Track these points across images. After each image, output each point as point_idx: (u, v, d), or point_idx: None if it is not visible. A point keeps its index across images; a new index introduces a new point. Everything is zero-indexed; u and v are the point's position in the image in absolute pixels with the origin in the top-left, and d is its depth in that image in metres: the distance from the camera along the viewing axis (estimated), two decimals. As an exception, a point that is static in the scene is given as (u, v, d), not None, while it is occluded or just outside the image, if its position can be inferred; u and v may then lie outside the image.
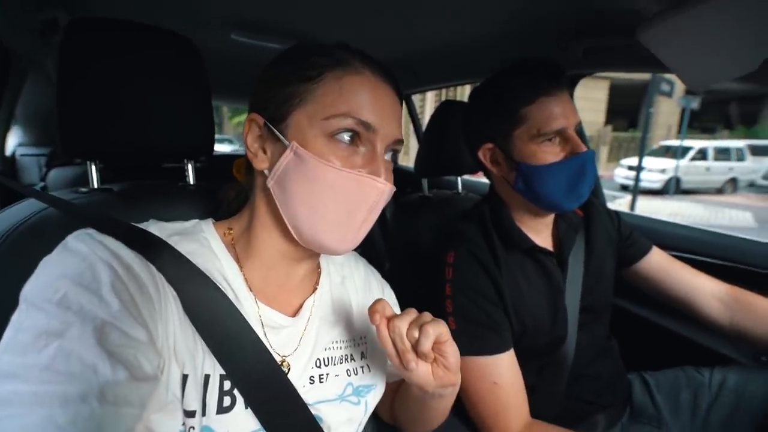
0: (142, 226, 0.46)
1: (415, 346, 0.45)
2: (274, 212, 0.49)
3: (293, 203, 0.46)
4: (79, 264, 0.37)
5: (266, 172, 0.48)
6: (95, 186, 0.63)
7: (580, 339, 0.79)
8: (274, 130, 0.46)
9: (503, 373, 0.70)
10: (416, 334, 0.44)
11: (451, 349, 0.48)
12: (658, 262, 0.90)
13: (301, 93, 0.45)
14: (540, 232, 0.82)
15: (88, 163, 0.63)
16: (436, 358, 0.47)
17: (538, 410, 0.71)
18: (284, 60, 0.49)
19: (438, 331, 0.45)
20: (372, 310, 0.46)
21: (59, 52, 0.54)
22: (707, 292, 0.86)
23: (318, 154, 0.44)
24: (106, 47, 0.56)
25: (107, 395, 0.32)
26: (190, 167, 0.72)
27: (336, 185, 0.45)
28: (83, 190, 0.63)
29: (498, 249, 0.77)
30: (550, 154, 0.71)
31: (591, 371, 0.81)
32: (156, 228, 0.47)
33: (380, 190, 0.47)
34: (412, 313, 0.47)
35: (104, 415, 0.31)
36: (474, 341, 0.70)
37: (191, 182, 0.72)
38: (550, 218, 0.83)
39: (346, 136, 0.45)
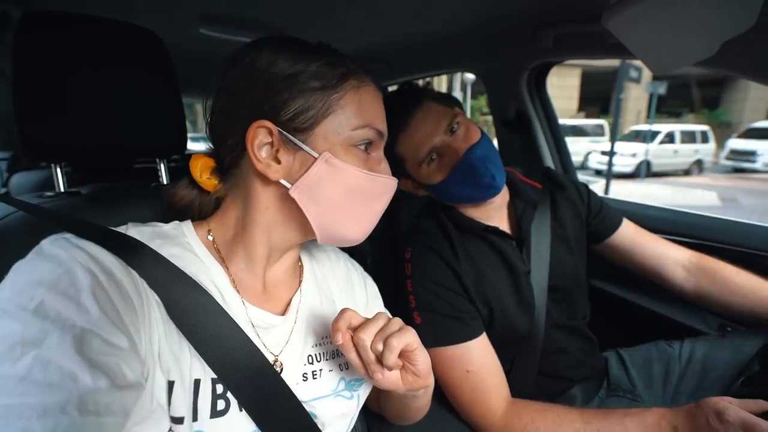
0: (121, 229, 0.45)
1: (380, 358, 0.45)
2: (287, 217, 0.49)
3: (325, 209, 0.47)
4: (55, 270, 0.35)
5: (284, 182, 0.46)
6: (61, 189, 0.61)
7: (550, 317, 0.81)
8: (296, 140, 0.45)
9: (475, 359, 0.71)
10: (380, 347, 0.44)
11: (421, 357, 0.48)
12: (628, 236, 0.94)
13: (323, 103, 0.45)
14: (491, 217, 0.83)
15: (53, 165, 0.60)
16: (405, 365, 0.48)
17: (514, 389, 0.73)
18: (284, 64, 0.45)
19: (405, 341, 0.45)
20: (334, 328, 0.45)
21: (12, 49, 0.51)
22: (673, 260, 0.91)
23: (349, 162, 0.46)
24: (63, 43, 0.53)
25: (88, 405, 0.31)
26: (162, 167, 0.70)
27: (365, 188, 0.49)
28: (49, 194, 0.60)
29: (455, 238, 0.78)
30: (437, 173, 0.76)
31: (563, 348, 0.84)
32: (136, 231, 0.45)
33: (393, 186, 0.53)
34: (380, 320, 0.46)
35: (85, 426, 0.30)
36: (440, 333, 0.72)
37: (165, 182, 0.70)
38: (497, 202, 0.83)
39: (364, 144, 0.48)
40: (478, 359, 0.72)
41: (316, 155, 0.45)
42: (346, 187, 0.47)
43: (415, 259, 0.77)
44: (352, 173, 0.47)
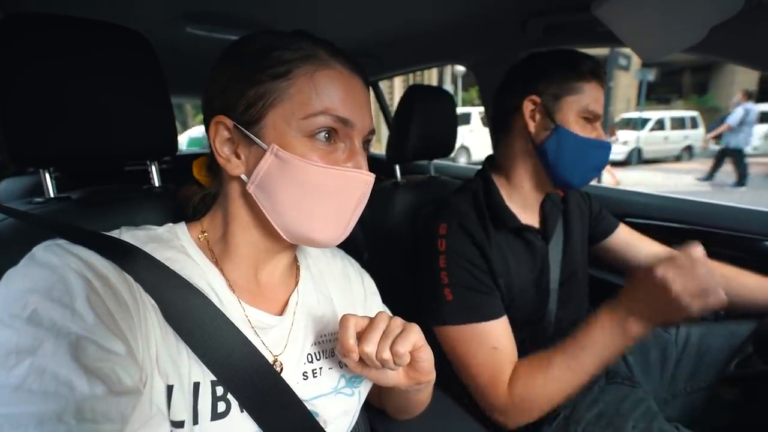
0: (114, 234, 0.44)
1: (386, 363, 0.44)
2: (257, 215, 0.48)
3: (281, 207, 0.45)
4: (49, 277, 0.35)
5: (243, 177, 0.46)
6: (51, 195, 0.60)
7: (559, 311, 0.82)
8: (248, 133, 0.44)
9: (501, 337, 0.72)
10: (386, 355, 0.43)
11: (426, 355, 0.48)
12: (623, 238, 0.97)
13: (272, 92, 0.43)
14: (529, 209, 0.84)
15: (41, 171, 0.59)
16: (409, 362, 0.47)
17: None
18: (242, 55, 0.45)
19: (411, 342, 0.44)
20: (346, 348, 0.44)
21: None
22: None
23: (300, 155, 0.43)
24: (47, 45, 0.52)
25: (85, 412, 0.31)
26: (153, 169, 0.69)
27: (324, 183, 0.44)
28: (38, 199, 0.59)
29: (488, 225, 0.78)
30: (581, 129, 0.76)
31: None
32: (129, 236, 0.45)
33: (366, 182, 0.48)
34: (381, 324, 0.45)
35: None
36: (472, 309, 0.72)
37: (156, 184, 0.69)
38: (541, 196, 0.86)
39: (324, 134, 0.44)
40: (504, 338, 0.72)
41: (265, 147, 0.43)
42: (299, 182, 0.44)
43: (450, 236, 0.76)
44: (304, 167, 0.43)
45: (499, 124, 0.86)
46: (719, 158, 7.26)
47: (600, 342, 0.65)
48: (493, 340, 0.71)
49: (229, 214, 0.49)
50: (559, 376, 0.67)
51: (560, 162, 0.76)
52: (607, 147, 0.78)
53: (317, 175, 0.44)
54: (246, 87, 0.43)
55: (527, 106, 0.79)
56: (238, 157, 0.46)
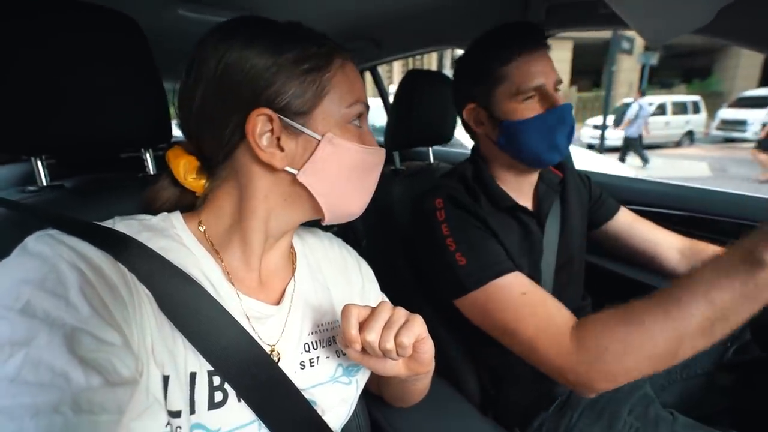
0: (108, 224, 0.43)
1: (388, 353, 0.45)
2: (293, 202, 0.48)
3: (331, 188, 0.48)
4: (41, 267, 0.34)
5: (290, 169, 0.45)
6: (44, 183, 0.59)
7: (556, 298, 0.82)
8: (298, 125, 0.44)
9: (526, 283, 0.69)
10: (389, 345, 0.44)
11: (427, 346, 0.49)
12: (625, 222, 0.95)
13: (317, 84, 0.44)
14: (522, 192, 0.84)
15: (33, 159, 0.58)
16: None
17: (515, 370, 0.74)
18: (264, 52, 0.43)
19: (415, 334, 0.45)
20: (349, 338, 0.44)
21: None
22: (668, 245, 0.93)
23: (350, 140, 0.47)
24: (34, 30, 0.50)
25: (81, 403, 0.30)
26: (148, 156, 0.68)
27: (365, 161, 0.49)
28: (31, 188, 0.58)
29: (481, 200, 0.78)
30: (529, 110, 0.73)
31: None
32: (123, 225, 0.44)
33: (384, 155, 0.54)
34: (384, 313, 0.46)
35: (80, 425, 0.30)
36: (487, 266, 0.70)
37: (152, 172, 0.68)
38: (533, 178, 0.84)
39: (358, 120, 0.49)
40: (529, 283, 0.69)
41: (319, 137, 0.45)
42: (348, 164, 0.48)
43: (447, 205, 0.75)
44: (354, 149, 0.47)
45: (465, 129, 0.87)
46: (625, 146, 8.54)
47: (708, 280, 0.52)
48: (519, 288, 0.68)
49: (247, 207, 0.47)
50: (651, 326, 0.54)
51: (523, 150, 0.76)
52: (558, 111, 0.72)
53: (362, 154, 0.48)
54: (285, 82, 0.43)
55: (468, 116, 0.81)
56: (281, 149, 0.45)
